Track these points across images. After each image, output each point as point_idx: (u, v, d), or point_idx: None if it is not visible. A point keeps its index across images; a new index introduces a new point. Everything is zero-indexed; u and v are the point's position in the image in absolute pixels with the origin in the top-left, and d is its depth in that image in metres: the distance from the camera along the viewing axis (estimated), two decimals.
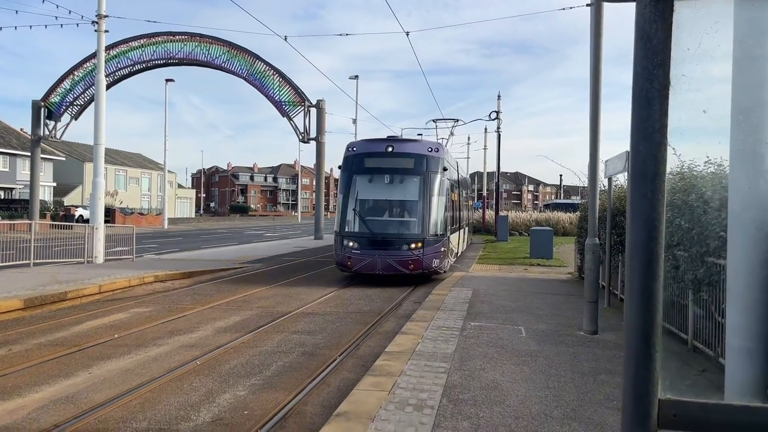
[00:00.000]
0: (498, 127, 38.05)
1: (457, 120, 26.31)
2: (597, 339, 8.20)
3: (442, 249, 15.08)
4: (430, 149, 15.43)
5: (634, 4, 1.27)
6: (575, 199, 62.72)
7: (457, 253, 20.59)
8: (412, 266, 14.27)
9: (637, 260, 1.27)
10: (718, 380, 1.94)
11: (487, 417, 5.04)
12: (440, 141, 24.37)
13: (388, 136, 16.66)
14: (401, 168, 15.14)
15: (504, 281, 14.90)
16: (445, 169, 15.42)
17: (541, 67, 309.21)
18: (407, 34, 21.57)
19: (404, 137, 16.47)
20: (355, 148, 15.84)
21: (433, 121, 26.46)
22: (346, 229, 14.99)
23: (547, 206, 62.26)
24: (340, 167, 15.91)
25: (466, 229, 25.61)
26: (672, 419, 1.25)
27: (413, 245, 14.36)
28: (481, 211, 46.56)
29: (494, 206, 41.56)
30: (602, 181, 10.74)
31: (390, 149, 15.33)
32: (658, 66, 1.25)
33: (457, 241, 20.15)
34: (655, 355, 1.25)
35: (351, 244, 14.67)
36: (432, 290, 12.93)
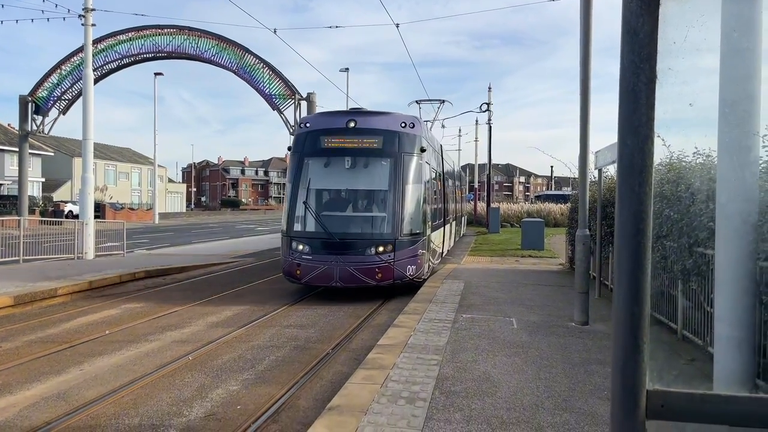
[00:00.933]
0: (489, 119, 38.10)
1: (444, 101, 22.27)
2: (588, 330, 8.26)
3: (420, 252, 12.10)
4: (403, 124, 12.27)
5: None
6: (566, 191, 63.02)
7: (442, 252, 17.25)
8: (379, 275, 11.36)
9: (625, 253, 1.28)
10: (707, 369, 1.96)
11: (479, 408, 5.07)
12: (426, 123, 19.63)
13: (351, 109, 13.24)
14: (366, 148, 12.13)
15: (496, 273, 14.95)
16: (423, 150, 12.33)
17: (532, 58, 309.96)
18: (397, 26, 21.38)
19: (371, 109, 13.48)
20: (308, 124, 12.66)
21: (417, 102, 22.29)
22: (295, 229, 11.95)
23: (538, 198, 62.49)
24: (289, 149, 12.82)
25: (453, 224, 22.14)
26: (660, 410, 1.26)
27: (381, 248, 11.40)
28: (472, 203, 46.70)
29: (486, 198, 41.69)
30: (592, 173, 10.79)
31: (352, 124, 12.18)
32: (645, 60, 1.26)
33: (442, 239, 16.77)
34: (643, 347, 1.26)
35: (300, 247, 11.62)
36: (424, 283, 12.95)
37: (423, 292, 11.40)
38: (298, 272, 11.61)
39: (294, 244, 11.76)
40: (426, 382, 5.74)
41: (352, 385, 5.62)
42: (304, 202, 11.88)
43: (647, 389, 1.26)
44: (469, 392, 5.49)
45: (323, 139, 12.25)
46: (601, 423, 4.77)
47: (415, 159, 12.16)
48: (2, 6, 22.43)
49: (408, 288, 12.11)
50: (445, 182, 18.24)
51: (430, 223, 13.08)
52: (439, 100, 22.40)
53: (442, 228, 16.63)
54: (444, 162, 18.24)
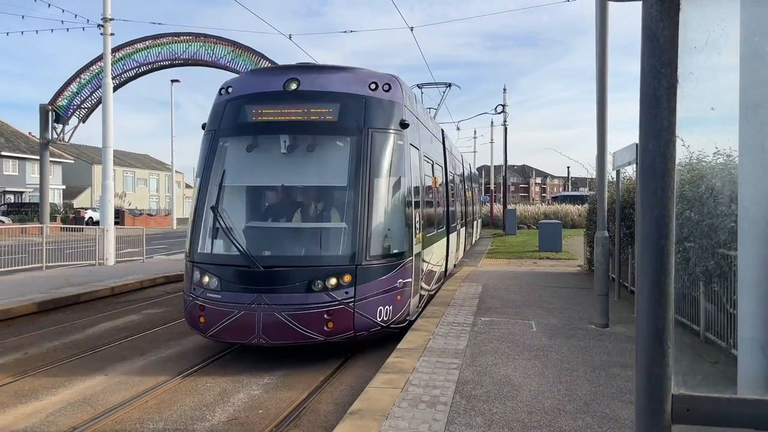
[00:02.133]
0: (504, 121, 38.03)
1: (450, 84, 18.53)
2: (608, 332, 8.20)
3: (400, 281, 7.91)
4: (374, 85, 8.17)
5: (639, 3, 1.28)
6: (583, 191, 62.60)
7: (446, 271, 13.15)
8: (330, 325, 7.19)
9: (647, 257, 1.28)
10: (731, 372, 1.95)
11: (500, 412, 5.06)
12: (428, 111, 15.09)
13: (298, 63, 8.97)
14: (314, 122, 8.07)
15: (513, 275, 14.89)
16: (404, 125, 8.25)
17: (547, 58, 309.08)
18: (411, 29, 21.24)
19: (326, 63, 9.48)
20: (230, 89, 8.55)
21: (419, 86, 18.24)
22: (200, 250, 7.93)
23: (555, 199, 62.20)
24: (203, 127, 8.63)
25: (462, 231, 17.76)
26: (686, 414, 1.27)
27: (333, 280, 7.28)
28: (488, 204, 46.58)
29: (502, 200, 41.54)
30: (610, 173, 10.72)
31: (293, 86, 8.12)
32: (666, 64, 1.27)
33: (445, 253, 12.68)
34: (668, 352, 1.27)
35: (206, 280, 7.59)
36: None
37: (441, 296, 11.38)
38: (202, 319, 7.49)
39: (197, 274, 7.71)
40: (446, 386, 5.74)
41: (373, 389, 5.64)
42: (213, 208, 7.78)
43: (672, 393, 1.26)
44: (490, 396, 5.48)
45: (249, 109, 8.20)
46: (624, 427, 4.74)
47: (391, 139, 8.07)
48: (23, 17, 22.88)
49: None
50: (449, 178, 13.98)
51: (420, 235, 9.09)
52: (445, 83, 18.71)
53: (445, 238, 12.65)
54: (447, 152, 14.22)
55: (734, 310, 5.90)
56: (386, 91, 8.24)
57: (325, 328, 7.18)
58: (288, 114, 8.11)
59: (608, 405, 5.27)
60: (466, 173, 21.27)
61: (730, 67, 1.64)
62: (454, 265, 15.68)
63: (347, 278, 7.33)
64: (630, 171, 11.65)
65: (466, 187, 20.69)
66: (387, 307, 7.67)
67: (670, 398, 1.25)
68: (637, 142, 1.30)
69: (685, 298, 7.56)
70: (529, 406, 5.24)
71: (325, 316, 7.19)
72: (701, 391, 1.28)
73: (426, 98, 20.49)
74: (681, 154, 1.29)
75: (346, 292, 7.30)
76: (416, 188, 8.94)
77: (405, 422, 4.79)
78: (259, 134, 8.26)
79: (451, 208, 13.92)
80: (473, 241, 25.05)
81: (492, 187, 50.85)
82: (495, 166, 54.23)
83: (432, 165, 11.12)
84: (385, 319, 7.65)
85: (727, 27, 1.53)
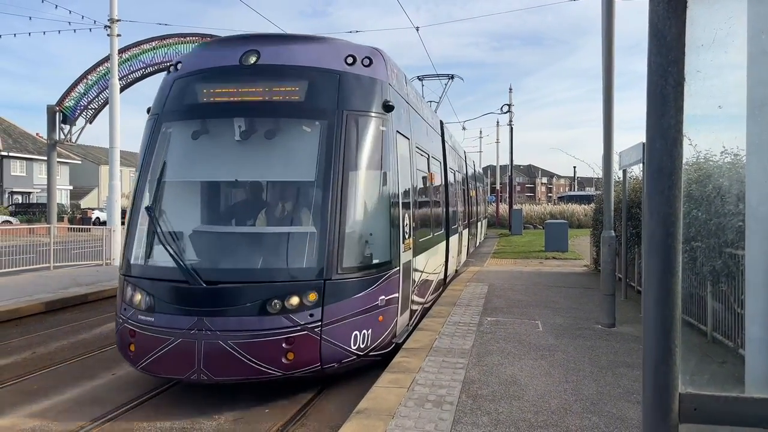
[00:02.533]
0: (510, 120, 37.97)
1: (452, 76, 17.08)
2: (615, 332, 8.17)
3: (382, 299, 6.57)
4: (351, 59, 6.82)
5: (646, 1, 1.29)
6: (590, 191, 62.48)
7: (445, 278, 12.06)
8: (290, 355, 5.82)
9: (654, 256, 1.28)
10: (739, 372, 1.95)
11: (506, 412, 5.06)
12: (429, 104, 13.76)
13: (259, 33, 7.42)
14: (275, 102, 6.67)
15: (519, 275, 14.86)
16: (388, 108, 6.93)
17: (552, 58, 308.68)
18: (417, 29, 21.18)
19: (291, 33, 8.30)
20: (180, 65, 7.25)
21: (419, 78, 16.86)
22: (132, 261, 6.59)
23: (561, 198, 62.09)
24: (148, 111, 7.30)
25: (465, 232, 16.68)
26: (693, 413, 1.27)
27: (295, 299, 5.90)
28: (494, 204, 46.52)
29: (508, 199, 41.48)
30: (617, 173, 10.69)
31: (253, 59, 6.80)
32: (672, 63, 1.26)
33: (444, 259, 11.52)
34: (675, 351, 1.27)
35: (138, 297, 6.25)
36: (447, 287, 12.92)
37: (447, 296, 11.37)
38: (132, 347, 6.16)
39: (129, 291, 6.41)
40: (452, 385, 5.74)
41: (379, 389, 5.65)
42: (148, 209, 6.45)
43: (680, 392, 1.26)
44: (496, 396, 5.48)
45: (197, 88, 6.86)
46: (631, 426, 4.73)
47: (372, 123, 6.72)
48: (30, 18, 23.02)
49: None
50: (448, 174, 12.60)
51: (410, 240, 7.71)
52: (447, 75, 17.20)
53: (444, 242, 11.34)
54: (447, 146, 12.84)
55: (742, 310, 5.88)
56: (366, 66, 6.88)
57: (284, 360, 5.78)
58: (244, 93, 6.73)
59: (615, 404, 5.26)
60: (469, 171, 19.80)
61: (737, 65, 1.64)
62: (456, 270, 14.69)
63: (312, 296, 5.94)
64: (637, 170, 11.62)
65: (470, 185, 19.21)
66: (365, 330, 6.30)
67: (677, 397, 1.25)
68: (644, 141, 1.30)
69: (692, 297, 7.53)
70: (536, 405, 5.24)
71: (284, 345, 5.78)
72: (708, 390, 1.28)
73: (428, 91, 19.40)
74: (688, 153, 1.29)
75: (311, 315, 5.90)
76: (405, 184, 7.62)
77: (411, 421, 4.79)
78: (208, 118, 6.84)
79: (451, 208, 12.63)
80: (477, 243, 24.34)
81: (498, 186, 50.77)
82: (501, 165, 54.09)
83: (427, 159, 9.78)
84: (362, 346, 6.28)
85: (734, 25, 1.53)
